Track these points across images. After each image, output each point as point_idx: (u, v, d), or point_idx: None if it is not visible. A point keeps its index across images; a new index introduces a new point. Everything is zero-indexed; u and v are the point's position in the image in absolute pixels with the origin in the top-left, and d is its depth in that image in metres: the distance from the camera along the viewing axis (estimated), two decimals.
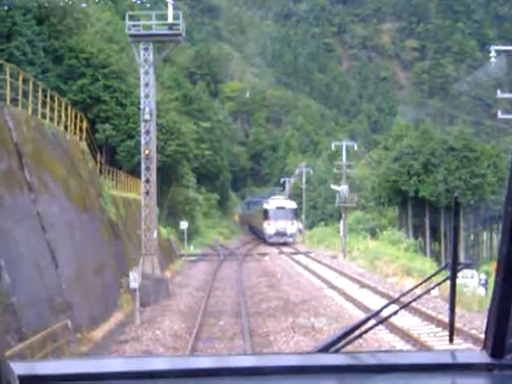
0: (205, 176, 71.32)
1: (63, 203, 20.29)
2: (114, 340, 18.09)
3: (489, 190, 69.92)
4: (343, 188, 47.71)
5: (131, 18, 28.75)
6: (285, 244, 58.24)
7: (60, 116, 24.37)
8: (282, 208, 61.07)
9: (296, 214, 62.91)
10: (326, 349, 2.09)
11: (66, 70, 43.98)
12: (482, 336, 2.04)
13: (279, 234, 60.14)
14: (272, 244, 67.62)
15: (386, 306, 2.32)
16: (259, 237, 69.10)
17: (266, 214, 61.25)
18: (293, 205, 63.16)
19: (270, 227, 60.55)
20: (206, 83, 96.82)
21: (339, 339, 2.10)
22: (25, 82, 21.80)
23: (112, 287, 23.64)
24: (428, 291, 2.55)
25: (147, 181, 27.82)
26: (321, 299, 23.12)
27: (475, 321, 17.62)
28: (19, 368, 1.73)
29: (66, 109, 25.67)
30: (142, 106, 27.76)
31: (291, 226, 61.12)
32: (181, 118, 56.12)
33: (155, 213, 28.87)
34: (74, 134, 26.30)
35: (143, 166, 27.86)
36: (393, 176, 72.71)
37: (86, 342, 17.31)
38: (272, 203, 62.92)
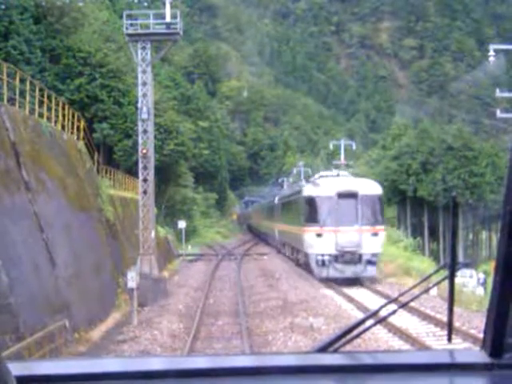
0: (203, 175, 71.31)
1: (60, 203, 20.27)
2: (111, 340, 18.07)
3: (487, 189, 70.06)
4: None
5: (129, 17, 28.78)
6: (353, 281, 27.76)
7: (57, 115, 24.35)
8: (353, 196, 27.97)
9: (382, 209, 30.13)
10: (324, 349, 2.09)
11: (64, 70, 43.97)
12: (481, 335, 2.04)
13: (346, 256, 27.77)
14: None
15: (384, 306, 2.32)
16: (278, 250, 45.43)
17: (310, 211, 29.23)
18: (375, 189, 29.56)
19: (321, 243, 28.04)
20: (204, 82, 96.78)
21: (338, 339, 2.10)
22: (22, 81, 21.78)
23: (110, 287, 23.62)
24: (426, 291, 2.54)
25: (145, 180, 27.83)
26: (319, 299, 23.12)
27: (474, 320, 17.62)
28: (16, 368, 1.73)
29: (64, 108, 25.64)
30: (139, 105, 27.77)
31: (372, 240, 27.89)
32: (179, 117, 56.14)
33: (153, 212, 28.86)
34: (72, 133, 26.27)
35: (141, 166, 27.88)
36: (391, 175, 72.81)
37: (83, 342, 17.29)
38: (326, 185, 29.50)
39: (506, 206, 1.84)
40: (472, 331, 16.04)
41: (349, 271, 27.73)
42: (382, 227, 29.13)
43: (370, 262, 27.79)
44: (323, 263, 27.90)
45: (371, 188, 29.30)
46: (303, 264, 32.35)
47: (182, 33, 28.17)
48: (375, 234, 28.06)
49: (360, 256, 27.68)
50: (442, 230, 69.88)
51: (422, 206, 73.13)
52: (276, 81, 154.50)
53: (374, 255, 27.87)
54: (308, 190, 30.50)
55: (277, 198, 46.48)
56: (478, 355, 1.99)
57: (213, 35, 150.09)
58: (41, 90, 23.55)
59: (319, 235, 28.07)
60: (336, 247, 27.60)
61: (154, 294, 24.68)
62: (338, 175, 32.32)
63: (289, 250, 39.12)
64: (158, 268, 28.55)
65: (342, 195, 27.86)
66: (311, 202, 29.10)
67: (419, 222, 74.87)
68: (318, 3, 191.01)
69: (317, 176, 34.69)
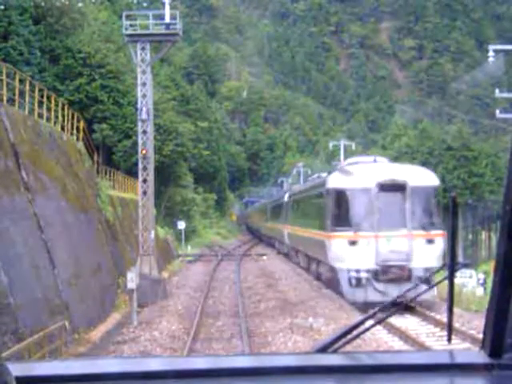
0: (202, 176, 71.29)
1: (60, 203, 20.26)
2: (111, 341, 18.08)
3: (487, 190, 70.05)
4: None
5: (128, 17, 28.81)
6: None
7: (57, 116, 24.35)
8: (400, 188, 21.06)
9: (437, 205, 22.33)
10: (324, 349, 2.09)
11: (63, 70, 43.99)
12: (481, 336, 2.04)
13: (390, 272, 20.69)
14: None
15: (384, 306, 2.32)
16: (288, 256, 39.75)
17: (339, 210, 22.20)
18: (430, 178, 22.42)
19: (355, 254, 20.97)
20: (204, 83, 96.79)
21: (337, 339, 2.10)
22: (21, 81, 21.78)
23: (109, 288, 23.62)
24: (426, 291, 2.55)
25: (144, 181, 27.84)
26: (319, 299, 23.11)
27: (474, 321, 17.62)
28: (16, 369, 1.73)
29: (63, 109, 25.64)
30: (139, 106, 27.78)
31: (427, 249, 20.74)
32: (178, 117, 56.13)
33: (153, 213, 28.86)
34: (71, 134, 26.27)
35: (140, 166, 27.89)
36: None
37: (83, 343, 17.28)
38: (361, 174, 22.16)
39: (505, 206, 1.84)
40: (471, 332, 16.04)
41: (394, 293, 17.40)
42: (441, 231, 20.95)
43: (423, 280, 17.26)
44: (358, 282, 20.60)
45: (424, 177, 21.82)
46: (326, 281, 24.81)
47: (181, 33, 28.20)
48: (431, 241, 20.62)
49: (410, 271, 20.31)
50: None
51: None
52: (275, 81, 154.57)
53: (428, 270, 19.66)
54: (335, 181, 22.50)
55: (287, 195, 39.61)
56: (478, 355, 1.99)
57: (212, 36, 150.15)
58: (40, 90, 23.55)
59: (353, 243, 20.74)
60: (376, 260, 20.40)
61: (154, 294, 24.68)
62: (374, 161, 24.08)
63: (304, 260, 31.52)
64: (157, 268, 28.54)
65: (385, 187, 20.67)
66: (341, 196, 21.59)
67: None
68: (318, 3, 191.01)
69: (345, 163, 25.48)
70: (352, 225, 20.99)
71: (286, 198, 39.80)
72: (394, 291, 19.00)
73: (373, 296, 19.97)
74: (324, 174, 27.95)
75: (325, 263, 24.22)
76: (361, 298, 20.40)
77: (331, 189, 22.35)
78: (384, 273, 20.49)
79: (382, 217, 20.42)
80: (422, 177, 21.77)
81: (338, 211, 21.85)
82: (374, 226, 20.43)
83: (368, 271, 20.58)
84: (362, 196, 20.95)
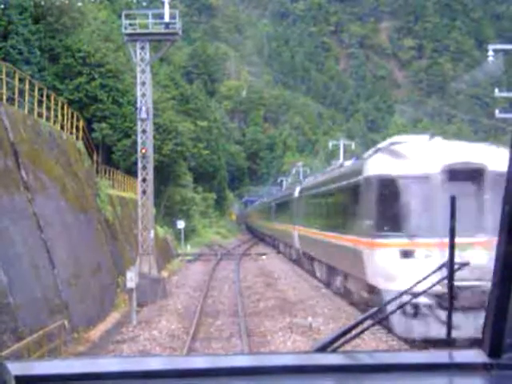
0: (202, 175, 71.28)
1: (60, 203, 20.26)
2: (110, 340, 18.08)
3: None
4: None
5: (127, 16, 28.82)
6: None
7: (56, 115, 24.34)
8: (474, 175, 14.37)
9: None
10: (323, 348, 2.09)
11: (63, 69, 43.96)
12: (480, 336, 2.04)
13: (462, 296, 12.59)
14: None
15: (383, 306, 2.32)
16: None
17: (384, 208, 15.37)
18: None
19: (410, 270, 13.77)
20: (203, 82, 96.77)
21: (337, 339, 2.10)
22: (21, 81, 21.78)
23: (109, 287, 23.61)
24: (425, 291, 2.55)
25: (144, 180, 27.84)
26: (318, 299, 23.11)
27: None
28: (15, 368, 1.73)
29: (63, 108, 25.64)
30: (138, 105, 27.77)
31: None
32: (177, 117, 56.10)
33: (152, 212, 28.85)
34: (71, 133, 26.27)
35: (140, 165, 27.89)
36: None
37: (82, 342, 17.28)
38: (417, 156, 15.21)
39: (505, 207, 1.84)
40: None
41: (468, 326, 11.26)
42: None
43: None
44: (416, 311, 14.33)
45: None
46: (362, 304, 18.58)
47: (180, 33, 28.20)
48: None
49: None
50: None
51: None
52: (275, 81, 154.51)
53: None
54: (380, 166, 16.02)
55: (298, 190, 34.29)
56: (477, 355, 1.99)
57: (212, 35, 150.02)
58: (40, 89, 23.55)
59: (407, 254, 14.87)
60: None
61: (153, 293, 24.68)
62: (431, 139, 16.95)
63: (323, 271, 26.06)
64: (157, 268, 28.54)
65: (454, 174, 14.59)
66: (388, 188, 15.37)
67: None
68: (317, 3, 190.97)
69: (385, 144, 17.87)
70: (406, 228, 14.99)
71: (296, 194, 34.30)
72: (468, 324, 11.80)
73: (437, 330, 13.60)
74: (348, 163, 22.19)
75: (360, 280, 17.83)
76: (420, 333, 14.26)
77: (374, 177, 15.95)
78: (453, 297, 12.84)
79: (449, 218, 13.10)
80: (505, 159, 13.56)
81: (385, 209, 15.54)
82: (438, 230, 13.48)
83: (429, 294, 12.45)
84: (420, 187, 14.91)
